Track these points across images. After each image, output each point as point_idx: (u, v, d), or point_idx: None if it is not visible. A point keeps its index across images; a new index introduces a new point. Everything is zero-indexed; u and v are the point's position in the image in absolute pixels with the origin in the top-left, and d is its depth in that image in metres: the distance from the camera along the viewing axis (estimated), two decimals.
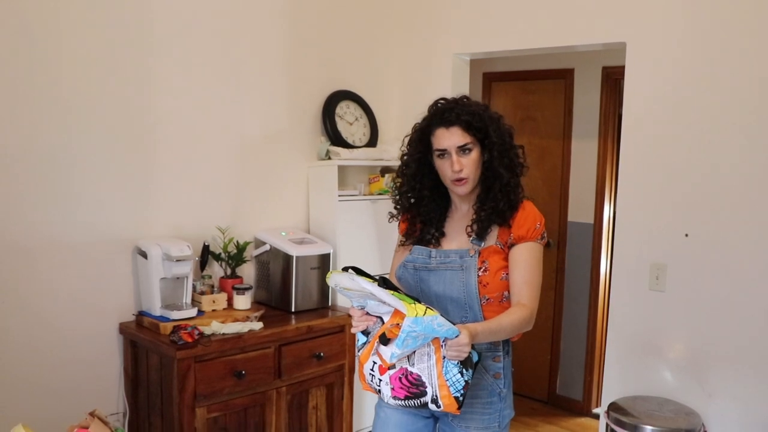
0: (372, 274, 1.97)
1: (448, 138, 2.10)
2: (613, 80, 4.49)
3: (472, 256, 2.12)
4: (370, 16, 4.13)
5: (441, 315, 1.82)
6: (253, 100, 3.58)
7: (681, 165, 3.15)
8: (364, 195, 3.88)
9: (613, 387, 3.41)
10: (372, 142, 4.03)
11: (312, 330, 3.24)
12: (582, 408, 4.79)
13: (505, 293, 2.14)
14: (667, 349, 3.23)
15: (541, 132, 4.89)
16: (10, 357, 2.80)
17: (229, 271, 3.41)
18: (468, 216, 2.21)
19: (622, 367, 3.39)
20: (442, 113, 2.13)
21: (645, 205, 3.28)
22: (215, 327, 2.93)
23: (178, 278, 3.08)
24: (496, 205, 2.12)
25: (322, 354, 3.25)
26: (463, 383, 1.89)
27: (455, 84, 3.99)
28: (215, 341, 2.86)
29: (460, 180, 2.13)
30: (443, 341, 1.87)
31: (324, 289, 3.52)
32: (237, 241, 3.39)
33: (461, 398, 1.89)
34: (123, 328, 3.09)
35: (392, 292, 1.85)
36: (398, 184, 2.30)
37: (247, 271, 3.57)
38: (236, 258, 3.37)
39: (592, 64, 4.53)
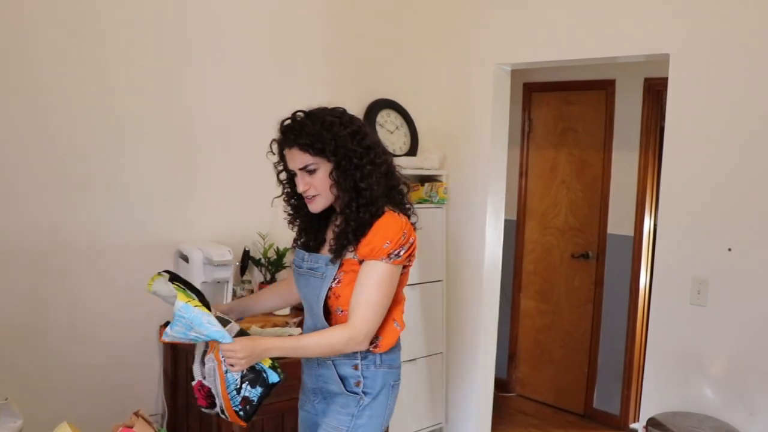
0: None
1: (291, 159, 2.08)
2: (655, 92, 4.45)
3: (333, 265, 2.09)
4: (411, 26, 4.14)
5: (219, 318, 1.94)
6: (294, 107, 3.59)
7: (724, 178, 3.10)
8: None
9: (651, 402, 3.36)
10: (412, 151, 4.04)
11: None
12: (619, 423, 4.72)
13: None
14: (708, 365, 3.18)
15: (582, 143, 4.86)
16: (57, 355, 2.87)
17: (268, 277, 3.44)
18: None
19: (661, 382, 3.35)
20: (282, 133, 2.10)
21: (687, 219, 3.23)
22: (254, 331, 2.96)
23: (218, 282, 3.11)
24: (343, 228, 2.05)
25: None
26: (240, 399, 1.99)
27: (496, 94, 3.98)
28: None
29: (309, 198, 2.10)
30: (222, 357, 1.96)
31: None
32: (277, 247, 3.42)
33: (243, 413, 2.02)
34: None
35: (191, 296, 1.98)
36: (280, 193, 2.27)
37: (286, 277, 3.59)
38: (276, 264, 3.40)
39: (634, 75, 4.49)
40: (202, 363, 2.07)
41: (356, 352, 2.11)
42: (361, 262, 2.05)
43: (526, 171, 5.16)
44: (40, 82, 2.80)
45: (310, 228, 2.22)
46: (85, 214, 2.92)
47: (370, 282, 2.03)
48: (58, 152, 2.85)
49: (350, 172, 2.03)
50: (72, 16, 2.86)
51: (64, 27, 2.85)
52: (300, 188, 2.07)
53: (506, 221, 4.19)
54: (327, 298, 2.10)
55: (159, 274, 2.08)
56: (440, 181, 4.04)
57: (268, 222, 3.47)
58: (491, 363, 4.18)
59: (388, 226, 2.04)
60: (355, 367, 2.15)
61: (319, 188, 2.06)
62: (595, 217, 4.80)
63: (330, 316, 2.12)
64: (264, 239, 3.41)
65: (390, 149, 3.88)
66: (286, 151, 2.08)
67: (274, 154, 2.16)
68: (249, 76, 3.43)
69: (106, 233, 2.97)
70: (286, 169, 2.15)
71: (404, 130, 4.05)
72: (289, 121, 2.09)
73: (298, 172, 2.06)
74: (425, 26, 4.20)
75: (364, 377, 2.14)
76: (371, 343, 2.11)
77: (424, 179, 4.03)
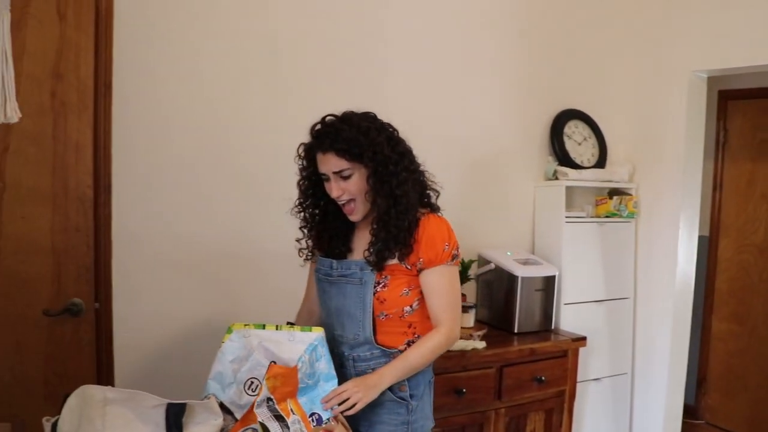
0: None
1: (325, 163, 2.04)
2: None
3: (371, 270, 2.05)
4: (600, 34, 4.01)
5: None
6: (481, 117, 3.60)
7: None
8: (591, 217, 3.77)
9: None
10: (600, 163, 3.90)
11: (535, 353, 3.18)
12: None
13: (406, 308, 2.11)
14: None
15: None
16: None
17: None
18: (369, 234, 2.11)
19: None
20: (316, 137, 2.06)
21: None
22: None
23: None
24: (390, 235, 2.03)
25: (543, 378, 3.18)
26: None
27: (691, 103, 3.77)
28: (439, 357, 2.84)
29: (344, 204, 2.08)
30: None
31: (547, 312, 3.46)
32: (462, 259, 3.40)
33: None
34: None
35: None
36: (298, 200, 2.21)
37: (469, 289, 3.57)
38: (460, 275, 3.36)
39: None
40: (278, 421, 1.98)
41: (396, 355, 2.10)
42: (420, 270, 2.09)
43: (721, 184, 4.83)
44: (236, 101, 2.95)
45: (337, 235, 2.19)
46: (251, 226, 3.01)
47: (445, 285, 2.10)
48: (230, 174, 2.97)
49: (386, 179, 2.02)
50: (259, 33, 3.00)
51: (258, 42, 2.99)
52: (334, 193, 2.06)
53: (698, 237, 3.95)
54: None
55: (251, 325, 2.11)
56: (629, 195, 3.87)
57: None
58: (680, 387, 3.95)
59: (440, 229, 2.09)
60: None
61: (353, 193, 2.05)
62: None
63: (373, 322, 2.11)
64: None
65: (577, 161, 3.78)
66: (320, 156, 2.06)
67: (301, 158, 2.15)
68: (437, 82, 3.45)
69: (270, 243, 3.01)
70: (313, 174, 2.13)
71: (592, 141, 3.92)
72: (321, 126, 2.07)
73: (332, 177, 2.05)
74: (615, 34, 4.05)
75: (408, 381, 2.13)
76: (413, 342, 2.13)
77: (612, 192, 3.88)
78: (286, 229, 2.28)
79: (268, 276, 3.01)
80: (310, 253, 2.26)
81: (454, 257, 2.12)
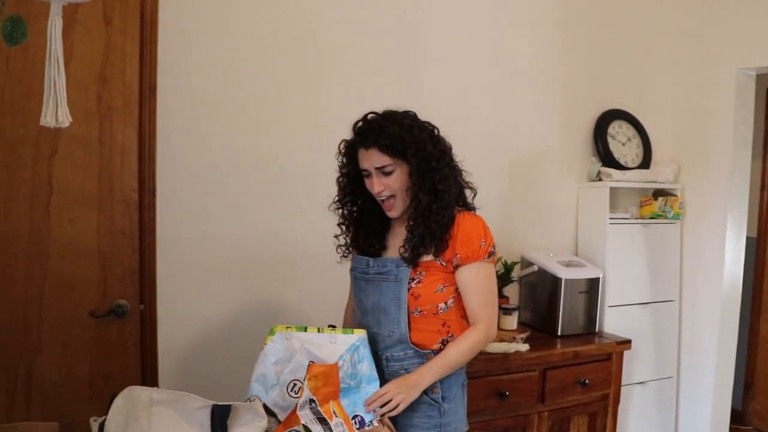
0: None
1: (368, 159, 2.07)
2: None
3: (406, 267, 2.06)
4: (644, 33, 3.95)
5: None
6: (525, 118, 3.58)
7: None
8: (636, 218, 3.72)
9: None
10: (645, 163, 3.84)
11: (578, 355, 3.14)
12: None
13: (441, 305, 2.11)
14: None
15: None
16: None
17: None
18: (404, 230, 2.12)
19: None
20: (360, 134, 2.08)
21: None
22: None
23: None
24: (426, 231, 2.05)
25: (587, 381, 3.14)
26: None
27: (738, 101, 3.68)
28: (481, 360, 2.85)
29: (384, 201, 2.10)
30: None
31: (591, 314, 3.41)
32: (504, 261, 3.38)
33: None
34: None
35: None
36: (337, 197, 2.22)
37: (512, 291, 3.54)
38: (503, 277, 3.36)
39: None
40: (321, 423, 1.98)
41: (431, 358, 2.10)
42: (456, 266, 2.09)
43: None
44: (276, 103, 2.97)
45: (372, 233, 2.22)
46: (296, 228, 3.03)
47: (482, 282, 2.11)
48: (277, 175, 2.99)
49: (429, 175, 2.05)
50: (298, 36, 3.02)
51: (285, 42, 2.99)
52: (375, 189, 2.08)
53: (746, 239, 3.86)
54: None
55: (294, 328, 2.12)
56: (675, 195, 3.81)
57: (496, 235, 3.43)
58: (727, 392, 3.87)
59: (475, 225, 2.10)
60: None
61: (394, 189, 2.08)
62: None
63: (408, 320, 2.10)
64: None
65: (621, 162, 3.73)
66: (362, 152, 2.09)
67: (341, 154, 2.17)
68: (479, 83, 3.43)
69: (312, 244, 3.02)
70: (353, 171, 2.16)
71: (637, 141, 3.87)
72: (364, 122, 2.10)
73: (374, 172, 2.07)
74: (660, 34, 3.99)
75: (440, 383, 2.11)
76: (447, 342, 2.13)
77: (657, 193, 3.82)
78: (326, 231, 2.29)
79: (309, 277, 3.02)
80: (347, 251, 2.28)
81: (491, 254, 2.13)
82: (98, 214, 2.43)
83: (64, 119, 1.42)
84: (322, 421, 1.95)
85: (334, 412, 1.98)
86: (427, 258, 2.09)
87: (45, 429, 1.86)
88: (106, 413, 1.75)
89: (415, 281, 2.09)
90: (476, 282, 2.11)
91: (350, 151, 2.14)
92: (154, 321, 2.61)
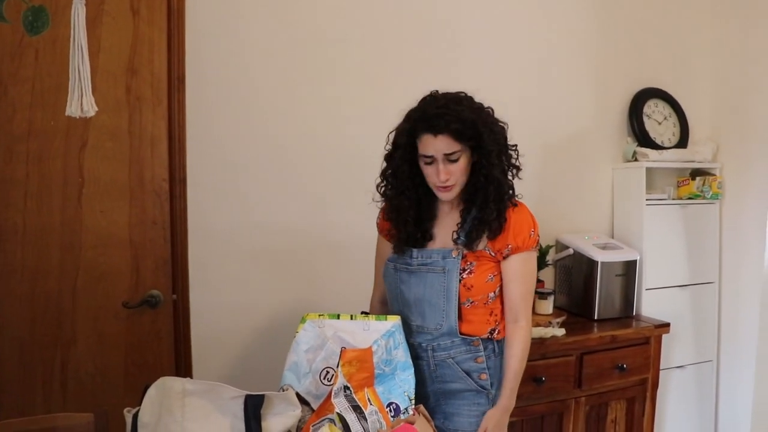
0: None
1: (435, 145, 1.96)
2: None
3: (455, 257, 2.00)
4: (681, 8, 3.86)
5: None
6: (558, 98, 3.52)
7: None
8: (673, 199, 3.64)
9: None
10: (682, 143, 3.76)
11: (615, 340, 3.09)
12: None
13: (491, 294, 2.09)
14: None
15: None
16: None
17: None
18: (454, 218, 2.08)
19: None
20: (430, 119, 1.95)
21: None
22: None
23: None
24: (486, 217, 2.01)
25: (624, 366, 3.09)
26: None
27: None
28: None
29: (446, 187, 2.02)
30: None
31: (628, 297, 3.36)
32: (540, 244, 3.33)
33: None
34: None
35: None
36: (383, 186, 2.13)
37: (548, 275, 3.50)
38: (538, 261, 3.31)
39: None
40: (355, 412, 1.96)
41: (478, 345, 2.09)
42: (506, 256, 2.06)
43: None
44: (306, 89, 2.95)
45: (419, 222, 2.13)
46: (339, 215, 3.01)
47: (528, 272, 2.09)
48: (321, 158, 2.98)
49: (497, 163, 2.00)
50: (330, 23, 2.99)
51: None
52: (442, 177, 1.99)
53: None
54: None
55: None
56: (713, 175, 3.72)
57: None
58: None
59: (526, 216, 2.08)
60: (478, 360, 2.11)
61: (458, 177, 2.01)
62: None
63: (459, 311, 2.07)
64: None
65: (658, 141, 3.66)
66: (428, 138, 1.97)
67: (395, 143, 2.08)
68: (512, 64, 3.39)
69: (358, 230, 2.93)
70: (405, 161, 2.05)
71: (673, 120, 3.78)
72: (434, 107, 1.98)
73: (440, 159, 1.97)
74: (698, 9, 3.89)
75: (488, 368, 2.11)
76: (495, 330, 2.13)
77: (694, 173, 3.74)
78: (357, 220, 2.27)
79: (343, 265, 3.01)
80: (399, 242, 2.16)
81: (538, 243, 2.12)
82: (129, 205, 2.43)
83: (90, 108, 1.41)
84: (357, 409, 1.93)
85: (368, 399, 1.97)
86: (479, 247, 2.06)
87: (81, 420, 1.87)
88: (140, 404, 1.75)
89: (467, 271, 2.06)
90: (523, 272, 2.09)
91: (410, 138, 2.03)
92: (187, 311, 2.61)
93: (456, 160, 1.98)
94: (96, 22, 2.30)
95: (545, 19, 3.47)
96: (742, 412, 3.79)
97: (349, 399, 1.95)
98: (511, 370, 2.09)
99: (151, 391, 1.77)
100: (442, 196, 2.06)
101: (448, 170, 1.99)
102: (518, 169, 2.11)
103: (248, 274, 2.86)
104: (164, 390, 1.78)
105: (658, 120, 3.73)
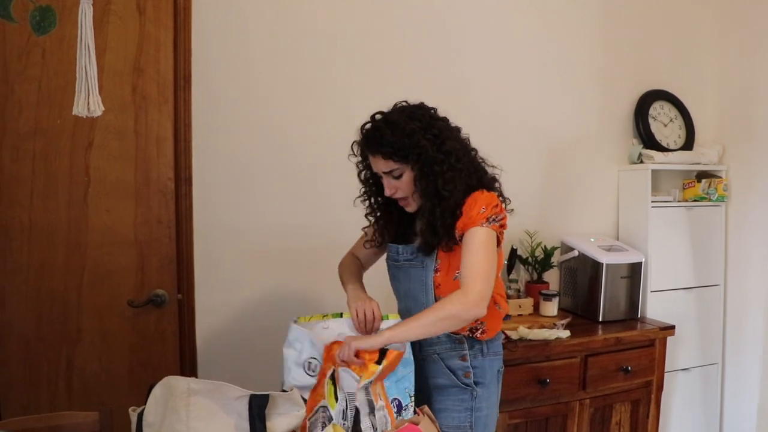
0: None
1: (375, 164, 2.07)
2: None
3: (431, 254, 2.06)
4: (685, 10, 3.86)
5: None
6: (563, 101, 3.52)
7: None
8: (679, 201, 3.64)
9: None
10: (688, 145, 3.75)
11: (620, 342, 3.09)
12: None
13: None
14: None
15: None
16: None
17: (535, 276, 3.36)
18: None
19: None
20: (365, 141, 2.07)
21: None
22: (522, 332, 2.89)
23: None
24: (429, 233, 2.04)
25: (629, 368, 3.08)
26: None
27: None
28: (521, 347, 2.82)
29: (401, 199, 2.10)
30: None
31: (633, 299, 3.35)
32: (544, 246, 3.33)
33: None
34: None
35: None
36: (362, 191, 2.23)
37: (552, 277, 3.49)
38: (543, 263, 3.32)
39: None
40: (368, 406, 1.96)
41: (462, 343, 2.11)
42: (460, 237, 2.02)
43: None
44: (310, 90, 2.96)
45: (400, 221, 2.21)
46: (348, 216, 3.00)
47: (473, 246, 1.97)
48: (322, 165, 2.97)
49: (432, 179, 2.01)
50: (335, 26, 2.98)
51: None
52: (387, 191, 2.08)
53: None
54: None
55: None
56: (719, 177, 3.71)
57: (535, 219, 3.40)
58: None
59: (479, 198, 2.02)
60: (463, 358, 2.12)
61: (405, 191, 2.07)
62: None
63: None
64: (531, 237, 3.34)
65: (663, 143, 3.66)
66: (370, 156, 2.08)
67: (355, 155, 2.15)
68: (516, 67, 3.38)
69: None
70: (369, 168, 2.15)
71: (679, 122, 3.78)
72: (367, 129, 2.07)
73: (384, 176, 2.06)
74: (704, 9, 3.89)
75: (473, 367, 2.12)
76: (477, 330, 2.11)
77: (700, 175, 3.73)
78: (362, 221, 2.28)
79: None
80: (378, 241, 2.27)
81: (489, 219, 1.98)
82: (135, 204, 2.43)
83: (96, 108, 1.41)
84: (370, 403, 1.94)
85: (379, 394, 1.97)
86: (445, 247, 2.07)
87: (86, 418, 1.88)
88: (145, 403, 1.75)
89: (436, 270, 2.10)
90: (468, 246, 1.98)
91: (363, 152, 2.14)
92: (192, 310, 2.61)
93: (399, 176, 2.04)
94: (102, 21, 2.29)
95: (551, 21, 3.46)
96: (747, 415, 3.78)
97: (367, 392, 1.95)
98: (415, 317, 1.95)
99: (156, 391, 1.77)
100: (406, 208, 2.14)
101: (392, 185, 2.07)
102: (476, 175, 2.09)
103: (253, 274, 2.86)
104: (169, 389, 1.78)
105: (663, 122, 3.73)
